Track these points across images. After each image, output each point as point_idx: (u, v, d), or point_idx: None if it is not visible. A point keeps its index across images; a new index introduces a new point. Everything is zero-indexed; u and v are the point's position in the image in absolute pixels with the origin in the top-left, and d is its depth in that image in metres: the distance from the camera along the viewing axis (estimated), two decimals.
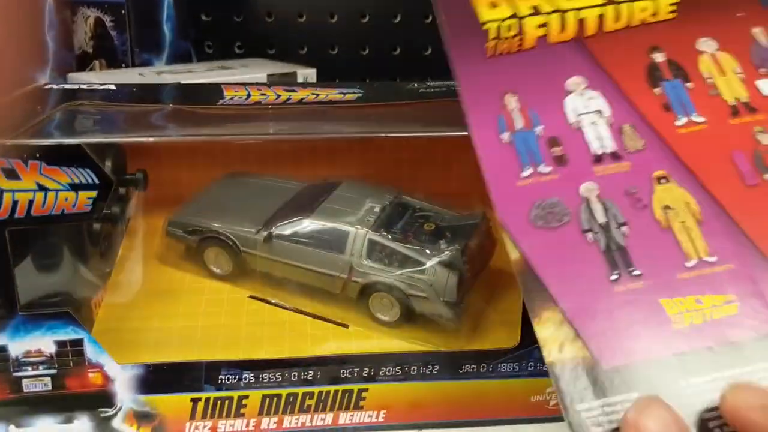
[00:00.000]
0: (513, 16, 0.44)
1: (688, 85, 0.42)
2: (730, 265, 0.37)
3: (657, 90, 0.42)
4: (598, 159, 0.40)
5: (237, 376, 0.48)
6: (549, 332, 0.35)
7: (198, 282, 0.61)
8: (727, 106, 0.42)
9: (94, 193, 0.43)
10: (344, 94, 0.56)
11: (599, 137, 0.41)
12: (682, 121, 0.41)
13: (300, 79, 0.72)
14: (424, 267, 0.55)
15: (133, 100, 0.55)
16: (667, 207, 0.38)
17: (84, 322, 0.47)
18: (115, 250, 0.62)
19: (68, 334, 0.46)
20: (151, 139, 0.44)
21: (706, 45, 0.44)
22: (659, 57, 0.43)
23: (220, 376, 0.48)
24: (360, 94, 0.56)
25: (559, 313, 0.35)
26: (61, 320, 0.45)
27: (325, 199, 0.61)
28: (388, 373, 0.50)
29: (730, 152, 0.40)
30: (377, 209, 0.59)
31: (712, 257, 0.37)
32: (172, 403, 0.48)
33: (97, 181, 0.44)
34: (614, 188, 0.39)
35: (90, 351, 0.46)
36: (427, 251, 0.55)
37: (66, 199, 0.42)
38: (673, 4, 0.45)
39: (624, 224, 0.38)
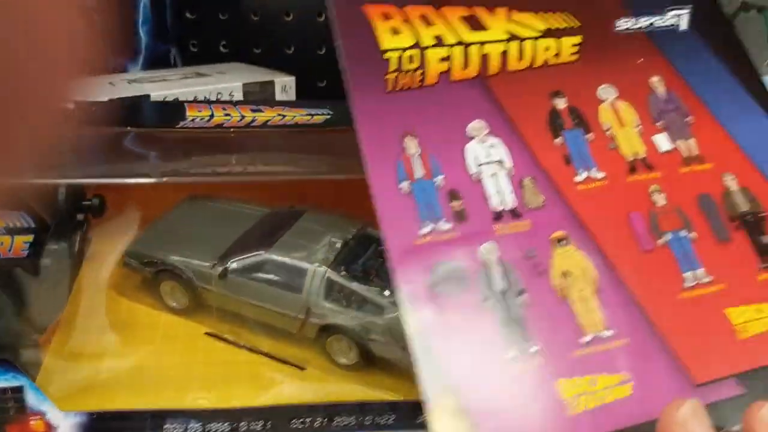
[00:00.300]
0: (415, 45, 0.41)
1: (588, 136, 0.41)
2: (625, 340, 0.36)
3: (558, 140, 0.41)
4: (498, 216, 0.38)
5: (183, 426, 0.46)
6: (443, 424, 0.33)
7: (154, 316, 0.57)
8: (626, 161, 0.41)
9: (30, 237, 0.39)
10: (312, 115, 0.54)
11: (500, 191, 0.39)
12: (582, 176, 0.40)
13: (278, 88, 0.67)
14: (382, 309, 0.52)
15: (92, 121, 0.50)
16: (565, 273, 0.37)
17: (30, 364, 0.46)
18: (68, 282, 0.58)
19: (8, 381, 0.44)
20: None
21: (606, 92, 0.43)
22: (561, 103, 0.42)
23: (165, 425, 0.46)
24: (328, 116, 0.54)
25: (456, 398, 0.34)
26: (1, 367, 0.43)
27: (286, 232, 0.57)
28: (341, 423, 0.48)
29: (628, 213, 0.40)
30: (338, 245, 0.55)
31: (608, 331, 0.36)
32: None
33: (33, 225, 0.39)
34: (514, 250, 0.38)
35: (31, 398, 0.44)
36: (386, 292, 0.52)
37: (1, 244, 0.37)
38: (575, 45, 0.43)
39: (523, 292, 0.37)
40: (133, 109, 0.59)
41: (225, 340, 0.55)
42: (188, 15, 0.77)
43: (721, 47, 0.46)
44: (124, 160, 0.51)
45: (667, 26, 0.46)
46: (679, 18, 0.46)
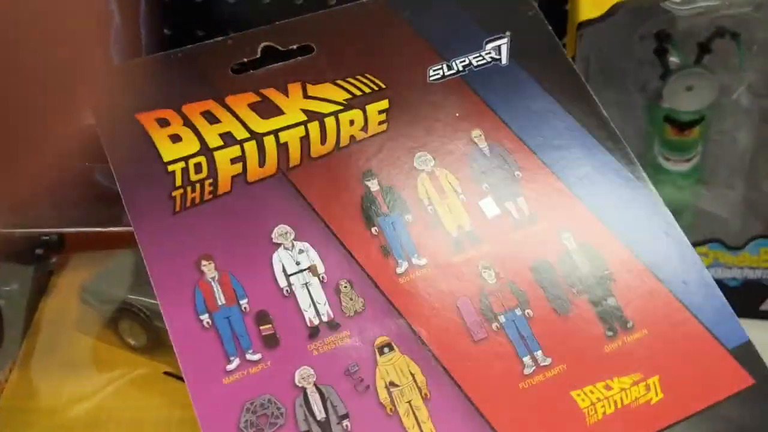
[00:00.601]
0: (202, 150, 0.38)
1: (407, 217, 0.38)
2: None
3: (374, 229, 0.38)
4: (314, 332, 0.35)
5: None
6: None
7: (114, 354, 0.57)
8: (450, 239, 0.38)
9: None
10: None
11: (313, 303, 0.36)
12: (403, 267, 0.37)
13: None
14: None
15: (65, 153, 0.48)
16: (392, 384, 0.35)
17: None
18: (25, 320, 0.57)
19: None
20: None
21: (423, 162, 0.40)
22: (374, 185, 0.39)
23: None
24: None
25: None
26: None
27: None
28: None
29: (456, 300, 0.37)
30: None
31: None
32: None
33: None
34: (333, 369, 0.35)
35: None
36: None
37: None
38: (383, 111, 0.40)
39: (345, 417, 0.34)
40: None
41: (182, 379, 0.54)
42: (166, 31, 0.74)
43: (553, 78, 0.43)
44: (92, 198, 0.50)
45: (486, 63, 0.43)
46: (500, 50, 0.43)
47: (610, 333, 0.37)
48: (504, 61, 0.43)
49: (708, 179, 0.58)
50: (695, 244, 0.57)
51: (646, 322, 0.38)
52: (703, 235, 0.58)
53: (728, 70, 0.53)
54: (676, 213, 0.54)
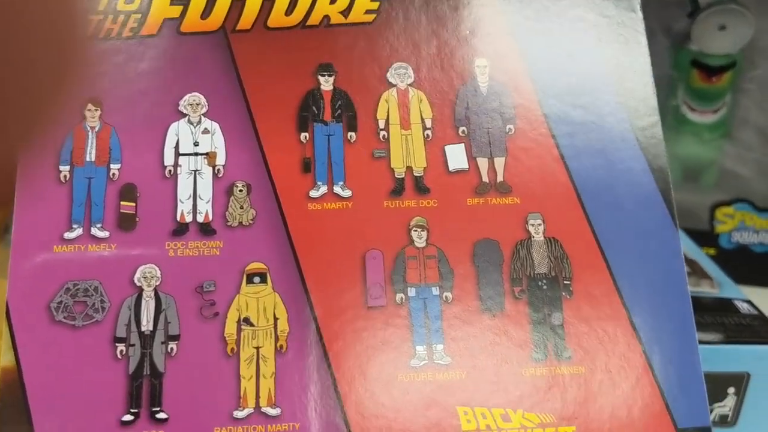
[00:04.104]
0: None
1: (351, 135, 0.33)
2: (294, 424, 0.30)
3: (304, 136, 0.33)
4: (180, 230, 0.32)
5: None
6: None
7: None
8: (391, 178, 0.33)
9: None
10: None
11: (195, 196, 0.32)
12: (319, 191, 0.33)
13: None
14: None
15: None
16: (246, 321, 0.31)
17: None
18: None
19: None
20: None
21: (400, 75, 0.34)
22: (327, 83, 0.34)
23: None
24: None
25: None
26: None
27: None
28: None
29: (366, 251, 0.32)
30: None
31: (274, 409, 0.30)
32: None
33: None
34: (185, 279, 0.31)
35: None
36: None
37: None
38: (375, 0, 0.35)
39: (175, 338, 0.30)
40: None
41: None
42: None
43: (609, 25, 0.36)
44: None
45: None
46: None
47: (539, 356, 0.31)
48: None
49: (735, 133, 0.56)
50: (721, 204, 0.56)
51: (589, 360, 0.32)
52: (729, 194, 0.56)
53: (765, 9, 0.50)
54: (700, 169, 0.49)
